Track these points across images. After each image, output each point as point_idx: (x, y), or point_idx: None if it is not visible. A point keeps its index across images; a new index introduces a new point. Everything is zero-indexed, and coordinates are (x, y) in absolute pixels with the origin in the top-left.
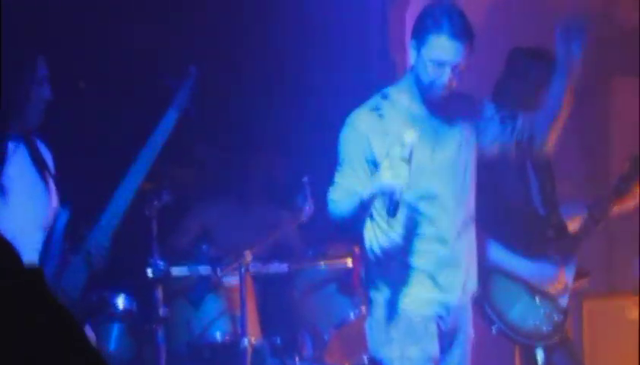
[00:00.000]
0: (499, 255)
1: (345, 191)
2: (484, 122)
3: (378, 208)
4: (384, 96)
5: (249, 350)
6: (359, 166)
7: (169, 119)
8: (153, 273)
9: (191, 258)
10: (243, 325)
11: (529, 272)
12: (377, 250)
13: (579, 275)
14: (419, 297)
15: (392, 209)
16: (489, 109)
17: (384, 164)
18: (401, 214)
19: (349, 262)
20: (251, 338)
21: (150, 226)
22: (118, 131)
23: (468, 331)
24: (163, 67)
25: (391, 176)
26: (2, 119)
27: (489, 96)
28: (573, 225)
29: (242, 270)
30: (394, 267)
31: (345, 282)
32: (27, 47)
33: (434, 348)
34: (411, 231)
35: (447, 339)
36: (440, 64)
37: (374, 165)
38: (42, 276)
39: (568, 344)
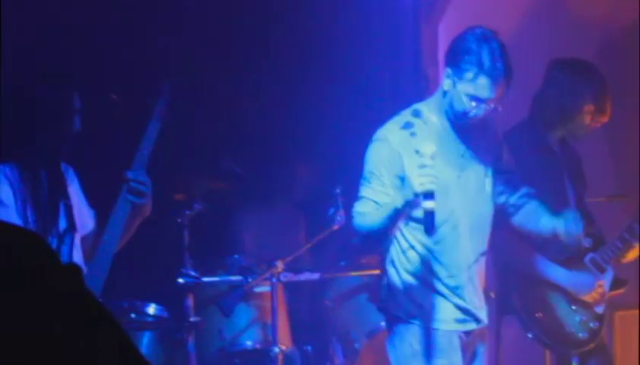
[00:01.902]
0: (537, 263)
1: (375, 205)
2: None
3: (404, 226)
4: (416, 114)
5: (280, 358)
6: (388, 181)
7: (153, 129)
8: (185, 281)
9: (223, 267)
10: (274, 333)
11: (566, 281)
12: (399, 267)
13: (616, 285)
14: (441, 317)
15: (429, 224)
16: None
17: (415, 173)
18: (424, 236)
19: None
20: (282, 346)
21: (181, 235)
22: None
23: (487, 344)
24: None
25: (426, 182)
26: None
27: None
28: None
29: (274, 279)
30: (416, 286)
31: (377, 292)
32: (64, 81)
33: (459, 361)
34: (433, 253)
35: (469, 353)
36: (478, 100)
37: (402, 182)
38: (80, 273)
39: (604, 351)
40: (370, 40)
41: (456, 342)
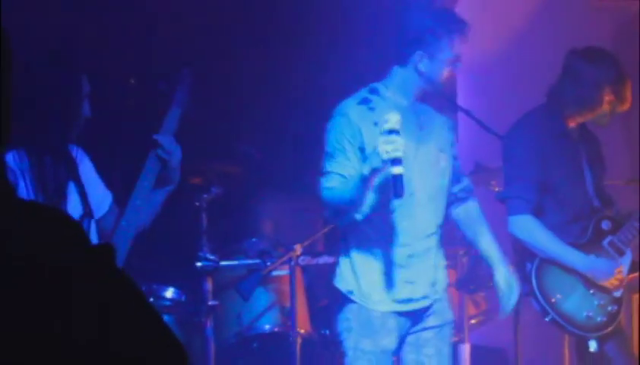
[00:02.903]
0: (555, 247)
1: (341, 178)
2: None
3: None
4: (373, 92)
5: (299, 342)
6: (352, 154)
7: (174, 116)
8: (203, 265)
9: (241, 251)
10: (293, 317)
11: (584, 266)
12: (351, 242)
13: (634, 267)
14: (379, 298)
15: (399, 188)
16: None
17: (381, 140)
18: (383, 205)
19: None
20: (301, 329)
21: (199, 220)
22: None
23: (446, 322)
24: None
25: (391, 149)
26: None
27: None
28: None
29: (292, 263)
30: (364, 262)
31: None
32: (73, 65)
33: (389, 342)
34: (386, 223)
35: (417, 332)
36: (455, 59)
37: (363, 153)
38: (113, 253)
39: (622, 334)
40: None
41: (391, 325)
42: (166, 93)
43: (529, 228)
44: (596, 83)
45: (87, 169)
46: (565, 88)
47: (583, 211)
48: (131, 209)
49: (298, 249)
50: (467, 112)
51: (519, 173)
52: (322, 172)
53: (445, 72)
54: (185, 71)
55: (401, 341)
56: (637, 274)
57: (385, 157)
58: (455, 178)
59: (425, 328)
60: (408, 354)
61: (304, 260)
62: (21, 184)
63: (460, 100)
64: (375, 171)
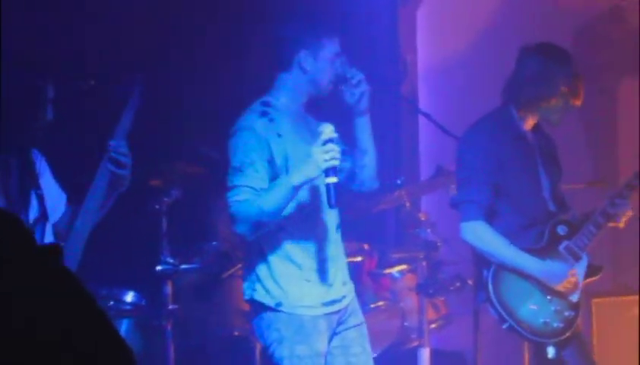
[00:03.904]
0: (509, 253)
1: (252, 191)
2: None
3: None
4: (266, 104)
5: (258, 346)
6: (261, 167)
7: (127, 119)
8: (163, 269)
9: (201, 254)
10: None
11: (539, 271)
12: (267, 252)
13: (591, 271)
14: (307, 303)
15: (333, 196)
16: None
17: (318, 150)
18: (294, 216)
19: (358, 258)
20: None
21: (159, 223)
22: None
23: (362, 320)
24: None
25: (329, 157)
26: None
27: None
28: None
29: None
30: (283, 270)
31: (355, 278)
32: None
33: (322, 345)
34: (300, 230)
35: (341, 332)
36: (335, 59)
37: (272, 167)
38: (60, 253)
39: (579, 339)
40: (348, 27)
41: (322, 326)
42: (120, 97)
43: (482, 234)
44: (551, 74)
45: (45, 172)
46: (523, 83)
47: (539, 215)
48: (86, 211)
49: None
50: (427, 115)
51: (472, 178)
52: (229, 187)
53: (329, 74)
54: (139, 75)
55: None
56: (594, 278)
57: (324, 165)
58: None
59: (348, 328)
60: (336, 358)
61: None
62: None
63: (421, 103)
64: (308, 180)
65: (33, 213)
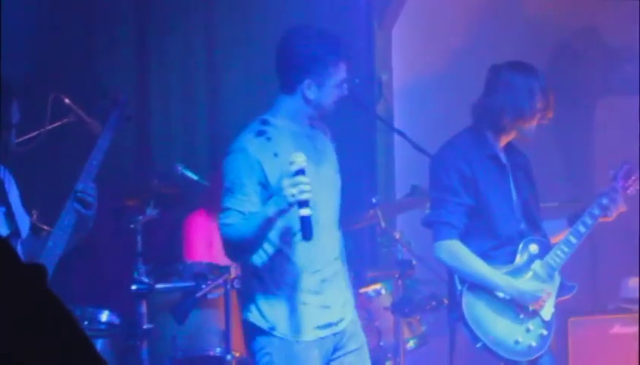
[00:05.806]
0: (481, 271)
1: (240, 215)
2: None
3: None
4: (265, 123)
5: None
6: (251, 190)
7: (106, 138)
8: (137, 288)
9: (177, 274)
10: (228, 340)
11: (512, 289)
12: (263, 275)
13: (565, 290)
14: (301, 329)
15: (307, 230)
16: None
17: (287, 182)
18: (291, 237)
19: None
20: (236, 353)
21: (134, 242)
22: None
23: (363, 343)
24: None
25: (297, 192)
26: None
27: None
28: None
29: (227, 285)
30: (278, 294)
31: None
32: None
33: None
34: (297, 253)
35: (339, 357)
36: (341, 85)
37: (265, 188)
38: (45, 273)
39: (553, 358)
40: None
41: (315, 353)
42: (101, 116)
43: (455, 253)
44: (529, 90)
45: (15, 193)
46: (500, 103)
47: (511, 234)
48: (58, 232)
49: (233, 271)
50: (402, 134)
51: (445, 197)
52: (221, 208)
53: (334, 97)
54: (121, 96)
55: None
56: (567, 297)
57: (292, 200)
58: None
59: (346, 353)
60: None
61: (239, 283)
62: None
63: (396, 122)
64: (280, 212)
65: (3, 230)
